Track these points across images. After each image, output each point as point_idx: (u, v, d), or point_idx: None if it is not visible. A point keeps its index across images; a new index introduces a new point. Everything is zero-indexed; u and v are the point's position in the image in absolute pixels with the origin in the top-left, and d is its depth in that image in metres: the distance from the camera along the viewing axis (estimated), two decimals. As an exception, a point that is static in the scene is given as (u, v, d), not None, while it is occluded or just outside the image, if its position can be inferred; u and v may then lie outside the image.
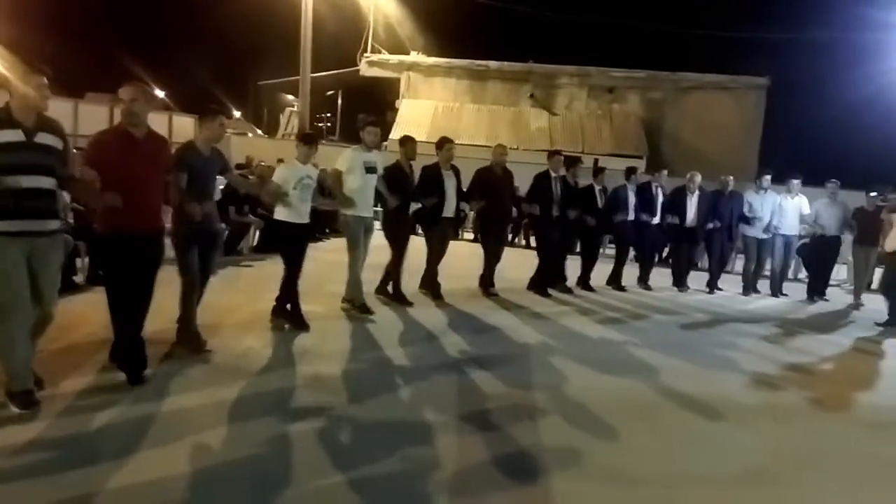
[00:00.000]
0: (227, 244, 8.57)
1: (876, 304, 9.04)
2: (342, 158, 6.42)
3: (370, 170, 6.42)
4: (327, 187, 7.10)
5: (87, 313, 5.38)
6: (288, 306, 5.91)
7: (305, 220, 5.91)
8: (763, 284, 10.29)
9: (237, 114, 38.99)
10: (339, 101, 31.98)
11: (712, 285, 10.03)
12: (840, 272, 11.57)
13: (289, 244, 5.90)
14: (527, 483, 3.37)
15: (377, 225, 6.85)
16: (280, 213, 5.86)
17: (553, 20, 30.42)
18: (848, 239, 10.02)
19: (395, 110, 24.56)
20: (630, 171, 9.47)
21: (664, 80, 23.70)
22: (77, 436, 3.43)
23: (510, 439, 3.88)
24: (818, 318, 8.79)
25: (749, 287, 10.08)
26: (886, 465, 4.06)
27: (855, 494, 3.64)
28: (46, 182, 3.70)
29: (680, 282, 9.90)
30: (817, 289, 10.18)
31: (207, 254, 5.01)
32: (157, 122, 16.48)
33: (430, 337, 6.03)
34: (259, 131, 30.58)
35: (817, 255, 10.27)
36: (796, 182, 9.94)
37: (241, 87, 37.57)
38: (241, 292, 6.16)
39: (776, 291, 10.11)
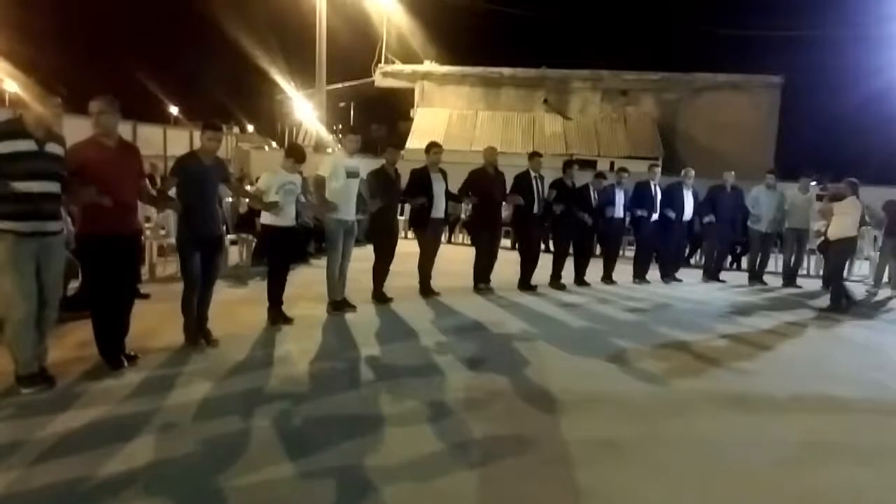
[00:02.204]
0: (256, 252, 9.13)
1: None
2: (324, 164, 6.60)
3: (351, 174, 6.57)
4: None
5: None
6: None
7: (291, 223, 6.24)
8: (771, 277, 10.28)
9: (250, 128, 39.59)
10: (352, 113, 32.38)
11: (712, 276, 10.24)
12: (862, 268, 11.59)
13: (277, 245, 6.24)
14: (474, 468, 3.44)
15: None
16: (266, 218, 6.17)
17: (564, 24, 30.46)
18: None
19: (410, 120, 24.81)
20: (621, 171, 9.61)
21: (677, 81, 23.59)
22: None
23: (463, 429, 3.95)
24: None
25: (754, 278, 10.21)
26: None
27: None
28: (54, 187, 4.07)
29: (668, 273, 9.98)
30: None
31: (211, 258, 5.29)
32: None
33: (413, 334, 6.16)
34: (275, 145, 31.11)
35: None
36: (805, 179, 10.38)
37: (259, 102, 38.22)
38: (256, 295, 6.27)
39: (788, 282, 10.08)
